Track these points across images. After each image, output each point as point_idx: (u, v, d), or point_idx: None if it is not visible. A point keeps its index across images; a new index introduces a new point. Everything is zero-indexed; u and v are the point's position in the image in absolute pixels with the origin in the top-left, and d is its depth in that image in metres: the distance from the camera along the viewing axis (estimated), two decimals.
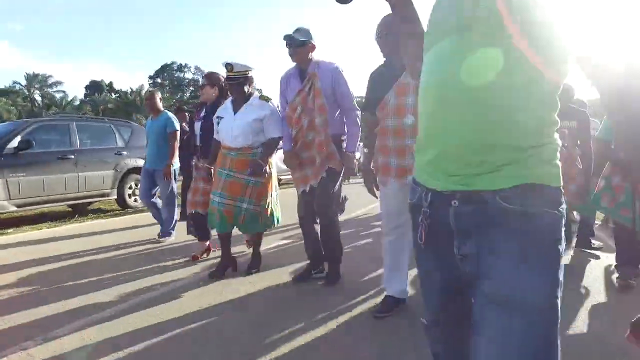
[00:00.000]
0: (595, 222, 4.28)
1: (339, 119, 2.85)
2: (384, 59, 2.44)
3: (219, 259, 3.20)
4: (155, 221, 4.55)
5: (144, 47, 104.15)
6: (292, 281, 2.94)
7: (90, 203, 6.98)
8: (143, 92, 38.46)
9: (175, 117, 4.39)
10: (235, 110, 3.01)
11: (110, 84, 54.41)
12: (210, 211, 3.06)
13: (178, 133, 4.30)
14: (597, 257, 3.57)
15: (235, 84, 2.96)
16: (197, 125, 3.56)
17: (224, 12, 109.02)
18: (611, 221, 3.45)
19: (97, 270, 3.33)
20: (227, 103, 3.12)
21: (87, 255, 3.82)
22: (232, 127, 2.97)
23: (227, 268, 3.14)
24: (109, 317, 2.37)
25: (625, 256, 2.94)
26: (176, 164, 4.33)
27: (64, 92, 39.30)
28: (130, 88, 38.99)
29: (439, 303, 1.01)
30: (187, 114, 5.78)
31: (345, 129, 2.87)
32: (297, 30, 2.74)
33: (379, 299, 2.51)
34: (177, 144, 4.27)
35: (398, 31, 1.98)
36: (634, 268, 2.90)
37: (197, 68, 54.94)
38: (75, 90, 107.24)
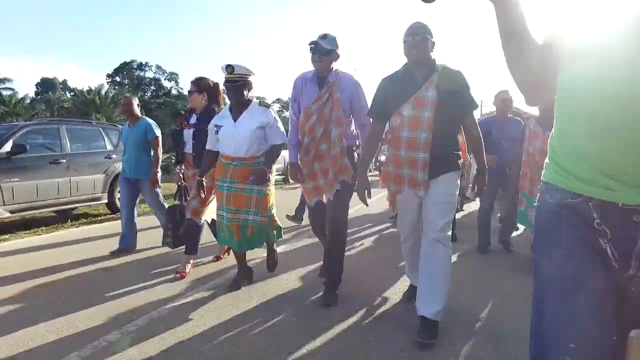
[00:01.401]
0: None
1: (352, 130, 2.81)
2: (404, 65, 2.37)
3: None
4: (157, 225, 4.38)
5: (100, 44, 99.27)
6: (324, 305, 2.71)
7: (74, 208, 6.88)
8: (103, 91, 36.81)
9: (154, 123, 4.17)
10: (235, 118, 2.88)
11: (65, 81, 51.55)
12: (219, 227, 2.97)
13: (160, 139, 4.12)
14: None
15: (235, 87, 2.81)
16: (188, 133, 3.43)
17: (186, 9, 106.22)
18: None
19: (95, 282, 3.21)
20: (225, 111, 2.99)
21: (83, 265, 3.66)
22: (233, 135, 2.84)
23: (244, 280, 3.08)
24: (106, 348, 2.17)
25: None
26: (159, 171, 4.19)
27: (12, 89, 36.68)
28: (89, 87, 37.07)
29: (596, 331, 0.84)
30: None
31: (358, 142, 2.83)
32: (324, 37, 2.61)
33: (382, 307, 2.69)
34: (160, 151, 4.10)
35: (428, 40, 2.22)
36: None
37: (158, 67, 53.30)
38: (24, 88, 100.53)
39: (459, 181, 2.41)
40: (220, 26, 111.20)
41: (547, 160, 1.00)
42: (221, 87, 3.40)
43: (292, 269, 3.48)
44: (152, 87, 51.05)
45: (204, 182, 3.07)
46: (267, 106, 2.98)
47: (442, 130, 2.22)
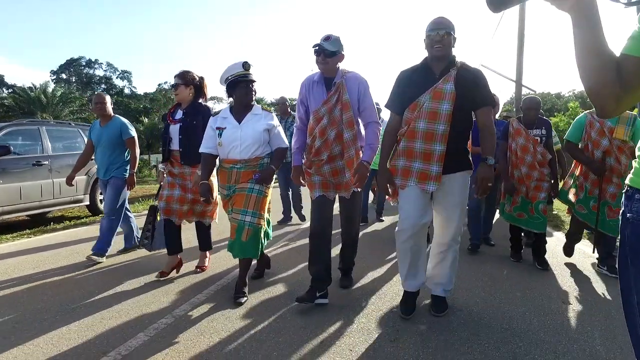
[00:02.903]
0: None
1: (360, 130, 2.79)
2: (424, 59, 2.39)
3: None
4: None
5: (43, 38, 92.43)
6: (297, 301, 2.57)
7: (49, 212, 6.71)
8: (50, 89, 34.52)
9: (129, 122, 4.00)
10: (238, 120, 2.80)
11: (1, 77, 47.68)
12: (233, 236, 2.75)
13: (136, 139, 3.98)
14: None
15: (250, 86, 2.76)
16: (174, 129, 3.22)
17: (141, 7, 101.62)
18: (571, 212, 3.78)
19: (87, 287, 3.03)
20: (225, 112, 2.86)
21: (68, 271, 3.47)
22: (240, 137, 2.75)
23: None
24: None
25: (567, 245, 3.69)
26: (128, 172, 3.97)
27: None
28: (32, 84, 34.64)
29: None
30: None
31: (364, 140, 2.77)
32: (327, 38, 2.58)
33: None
34: (138, 151, 3.96)
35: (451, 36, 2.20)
36: (568, 251, 3.72)
37: (109, 65, 50.85)
38: None
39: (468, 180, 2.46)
40: (176, 24, 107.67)
41: (636, 164, 0.96)
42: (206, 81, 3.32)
43: (295, 267, 3.50)
44: (103, 86, 48.59)
45: (210, 185, 2.96)
46: (269, 110, 2.95)
47: (457, 125, 2.25)
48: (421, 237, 2.45)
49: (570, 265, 3.64)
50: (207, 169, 2.91)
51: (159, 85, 46.84)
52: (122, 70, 50.80)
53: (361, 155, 2.66)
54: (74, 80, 48.23)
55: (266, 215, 2.89)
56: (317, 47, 2.57)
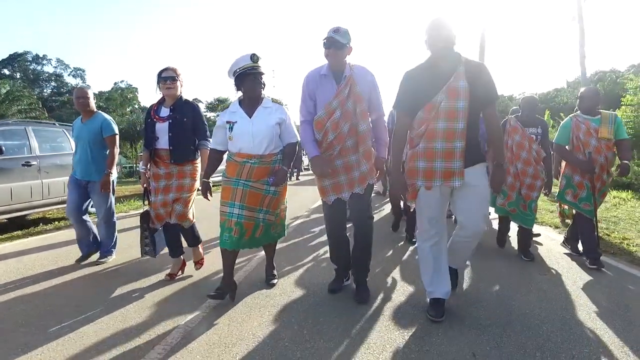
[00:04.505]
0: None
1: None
2: (429, 58, 2.38)
3: (220, 279, 2.83)
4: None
5: None
6: (330, 292, 2.85)
7: (28, 214, 6.54)
8: None
9: (112, 119, 3.80)
10: (249, 114, 2.73)
11: None
12: (226, 225, 2.67)
13: (117, 137, 3.75)
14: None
15: (259, 78, 2.69)
16: (161, 127, 3.09)
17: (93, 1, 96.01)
18: (571, 214, 3.93)
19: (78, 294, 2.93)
20: (234, 106, 2.79)
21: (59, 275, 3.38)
22: (251, 132, 2.68)
23: (228, 292, 2.76)
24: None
25: (588, 243, 3.55)
26: (114, 174, 3.79)
27: None
28: None
29: None
30: None
31: (374, 135, 2.76)
32: (337, 30, 2.54)
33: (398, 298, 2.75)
34: (117, 150, 3.72)
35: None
36: (596, 252, 3.50)
37: (59, 61, 47.92)
38: None
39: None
40: (133, 20, 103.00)
41: None
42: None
43: (298, 266, 3.55)
44: (53, 83, 45.76)
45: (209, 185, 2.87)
46: (280, 103, 2.86)
47: (471, 120, 2.29)
48: (442, 237, 2.46)
49: (563, 258, 3.86)
50: (212, 166, 2.87)
51: (115, 83, 44.87)
52: (74, 68, 48.09)
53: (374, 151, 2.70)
54: (18, 76, 44.99)
55: (283, 206, 2.94)
56: (327, 40, 2.55)
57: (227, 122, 2.74)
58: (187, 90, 3.44)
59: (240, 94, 2.80)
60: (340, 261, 2.91)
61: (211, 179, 2.91)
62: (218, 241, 2.78)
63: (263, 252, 3.31)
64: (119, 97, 40.41)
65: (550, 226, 5.38)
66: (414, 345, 2.14)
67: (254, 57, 2.65)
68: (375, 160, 2.68)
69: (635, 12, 66.86)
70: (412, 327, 2.37)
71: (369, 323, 2.42)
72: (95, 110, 3.75)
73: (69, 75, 47.41)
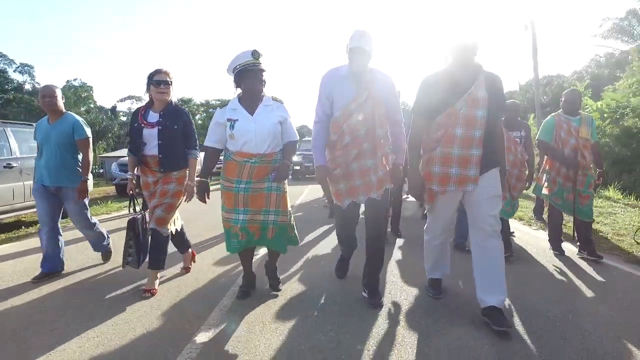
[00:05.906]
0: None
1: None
2: (450, 65, 2.41)
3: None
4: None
5: None
6: (338, 277, 3.17)
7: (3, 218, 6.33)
8: None
9: (83, 120, 3.50)
10: (250, 111, 2.67)
11: None
12: (232, 231, 2.65)
13: (91, 140, 3.47)
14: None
15: (261, 76, 2.65)
16: (150, 133, 2.99)
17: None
18: (547, 205, 4.17)
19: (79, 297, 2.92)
20: (234, 103, 2.71)
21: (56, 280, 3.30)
22: (254, 130, 2.63)
23: (251, 288, 2.93)
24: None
25: (553, 233, 3.92)
26: (90, 179, 3.61)
27: None
28: None
29: None
30: None
31: (392, 141, 2.73)
32: (363, 35, 2.50)
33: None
34: (91, 154, 3.47)
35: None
36: (558, 241, 3.90)
37: (3, 56, 44.52)
38: None
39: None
40: (86, 13, 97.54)
41: None
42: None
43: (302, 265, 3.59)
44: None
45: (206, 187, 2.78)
46: (280, 101, 2.82)
47: (488, 128, 2.35)
48: (449, 236, 2.72)
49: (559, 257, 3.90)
50: (209, 165, 2.80)
51: (68, 82, 42.41)
52: (21, 63, 44.79)
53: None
54: None
55: (292, 220, 2.86)
56: (351, 45, 2.52)
57: (228, 119, 2.67)
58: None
59: (239, 91, 2.76)
60: (347, 243, 3.03)
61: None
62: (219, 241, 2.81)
63: (261, 254, 3.39)
64: (72, 96, 38.27)
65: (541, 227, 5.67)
66: (422, 345, 2.18)
67: (255, 54, 2.60)
68: (393, 167, 2.68)
69: (577, 21, 72.90)
70: (417, 325, 2.40)
71: (384, 323, 2.44)
72: (64, 110, 3.45)
73: (14, 71, 44.14)
